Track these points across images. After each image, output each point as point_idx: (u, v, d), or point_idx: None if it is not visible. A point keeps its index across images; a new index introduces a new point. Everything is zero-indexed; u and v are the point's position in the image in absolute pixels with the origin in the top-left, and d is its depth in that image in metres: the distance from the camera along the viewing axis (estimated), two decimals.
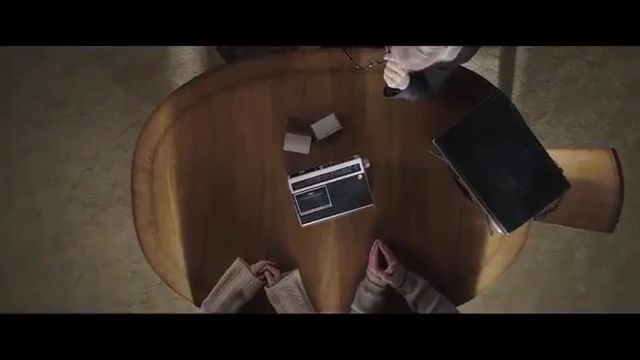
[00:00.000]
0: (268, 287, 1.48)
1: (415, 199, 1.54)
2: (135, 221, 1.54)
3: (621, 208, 1.45)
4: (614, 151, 1.49)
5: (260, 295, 1.50)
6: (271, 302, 1.49)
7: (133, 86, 2.16)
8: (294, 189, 1.45)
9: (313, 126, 1.49)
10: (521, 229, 1.43)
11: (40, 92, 2.15)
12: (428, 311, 1.40)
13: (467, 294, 1.57)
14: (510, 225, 1.40)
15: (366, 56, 1.40)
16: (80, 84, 2.15)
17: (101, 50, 2.13)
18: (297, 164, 1.51)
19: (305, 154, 1.50)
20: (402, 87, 1.33)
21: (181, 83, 1.54)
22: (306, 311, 1.51)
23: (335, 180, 1.46)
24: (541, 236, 2.28)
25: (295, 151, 1.50)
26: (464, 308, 1.50)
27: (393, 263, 1.44)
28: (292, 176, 1.45)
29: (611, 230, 1.44)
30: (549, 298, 2.32)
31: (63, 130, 2.16)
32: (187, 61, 2.17)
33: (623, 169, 1.49)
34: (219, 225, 1.53)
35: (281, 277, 1.49)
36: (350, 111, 1.53)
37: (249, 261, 1.51)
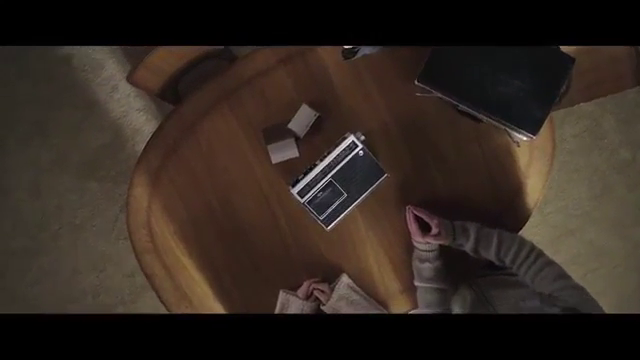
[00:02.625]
0: (324, 305, 1.37)
1: (426, 148, 1.42)
2: (164, 303, 1.44)
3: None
4: None
5: None
6: None
7: (102, 174, 2.05)
8: (301, 196, 1.33)
9: (290, 125, 1.37)
10: (545, 125, 1.30)
11: (19, 224, 2.06)
12: (492, 251, 1.27)
13: (522, 216, 1.44)
14: (533, 127, 1.28)
15: None
16: (52, 198, 2.06)
17: (56, 154, 2.03)
18: (293, 170, 1.39)
19: (296, 157, 1.38)
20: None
21: None
22: (373, 311, 1.39)
23: (338, 168, 1.33)
24: (561, 125, 2.15)
25: (285, 159, 1.38)
26: (526, 232, 1.37)
27: (435, 222, 1.32)
28: (293, 185, 1.33)
29: (639, 82, 1.30)
30: (598, 180, 2.19)
31: (59, 247, 2.07)
32: (141, 125, 2.05)
33: None
34: (246, 267, 1.42)
35: (332, 289, 1.37)
36: (319, 93, 1.40)
37: (293, 288, 1.39)
